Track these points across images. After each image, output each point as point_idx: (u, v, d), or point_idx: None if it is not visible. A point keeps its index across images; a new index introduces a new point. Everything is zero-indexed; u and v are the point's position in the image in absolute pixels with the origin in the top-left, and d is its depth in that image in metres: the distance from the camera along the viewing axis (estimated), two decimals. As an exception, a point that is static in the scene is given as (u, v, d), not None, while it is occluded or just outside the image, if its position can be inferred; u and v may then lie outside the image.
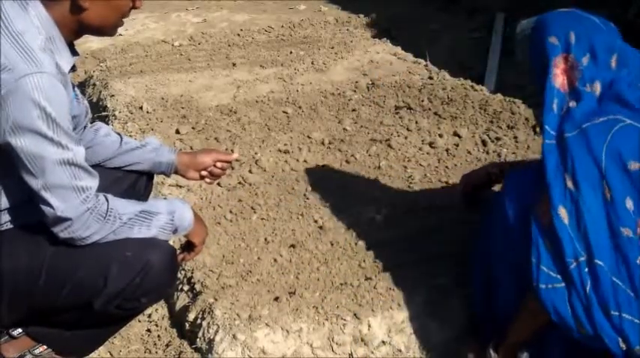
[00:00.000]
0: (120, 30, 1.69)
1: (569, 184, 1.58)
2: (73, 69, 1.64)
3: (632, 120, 1.61)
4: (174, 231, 1.72)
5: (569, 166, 1.59)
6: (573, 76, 1.68)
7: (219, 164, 2.03)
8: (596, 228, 1.55)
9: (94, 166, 1.65)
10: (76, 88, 1.81)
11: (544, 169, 1.61)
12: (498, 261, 1.82)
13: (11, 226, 1.62)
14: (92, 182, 1.56)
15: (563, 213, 1.57)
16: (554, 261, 1.56)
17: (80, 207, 1.52)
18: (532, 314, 1.66)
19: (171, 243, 1.76)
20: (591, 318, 1.53)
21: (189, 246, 1.86)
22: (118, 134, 1.98)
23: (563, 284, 1.55)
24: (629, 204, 1.56)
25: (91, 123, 1.95)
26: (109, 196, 1.60)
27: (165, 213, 1.68)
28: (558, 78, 1.68)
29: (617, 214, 1.55)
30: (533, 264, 1.58)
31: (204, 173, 2.03)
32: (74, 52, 1.64)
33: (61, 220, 1.52)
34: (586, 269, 1.54)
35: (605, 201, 1.57)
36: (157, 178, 2.40)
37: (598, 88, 1.68)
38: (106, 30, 1.63)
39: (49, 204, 1.50)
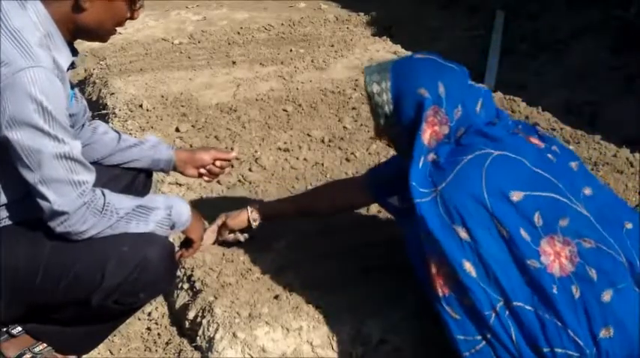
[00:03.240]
0: (120, 28, 1.69)
1: (463, 235, 1.52)
2: (72, 66, 1.64)
3: (500, 150, 1.58)
4: (172, 227, 1.72)
5: (455, 217, 1.53)
6: (441, 132, 1.62)
7: (218, 162, 2.03)
8: (505, 270, 1.51)
9: (92, 164, 1.65)
10: (75, 87, 1.81)
11: (428, 231, 1.54)
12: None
13: (9, 223, 1.63)
14: (89, 176, 1.56)
15: (468, 266, 1.51)
16: (469, 323, 1.52)
17: (77, 201, 1.52)
18: None
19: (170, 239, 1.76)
20: None
21: (187, 243, 1.86)
22: (117, 132, 1.98)
23: (484, 343, 1.51)
24: (525, 234, 1.52)
25: (90, 121, 1.95)
26: (106, 191, 1.61)
27: (163, 208, 1.69)
28: (425, 133, 1.61)
29: (518, 249, 1.51)
30: (449, 338, 1.55)
31: (202, 171, 2.03)
32: (74, 51, 1.64)
33: (57, 214, 1.52)
34: (506, 313, 1.50)
35: (503, 239, 1.52)
36: (156, 176, 2.40)
37: (461, 131, 1.64)
38: (100, 34, 1.64)
39: (45, 198, 1.50)
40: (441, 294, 1.55)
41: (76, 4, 1.54)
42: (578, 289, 1.50)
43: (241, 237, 2.17)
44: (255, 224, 2.13)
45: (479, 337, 1.52)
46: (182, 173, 2.05)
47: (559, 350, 1.48)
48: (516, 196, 1.54)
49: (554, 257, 1.52)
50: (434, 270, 1.55)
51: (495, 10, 4.98)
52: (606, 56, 4.05)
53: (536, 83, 4.10)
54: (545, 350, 1.48)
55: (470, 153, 1.58)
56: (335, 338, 1.89)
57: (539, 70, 4.29)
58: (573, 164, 1.67)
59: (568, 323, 1.48)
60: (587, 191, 1.64)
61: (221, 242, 2.19)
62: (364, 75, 1.72)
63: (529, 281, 1.51)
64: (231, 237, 2.17)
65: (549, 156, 1.65)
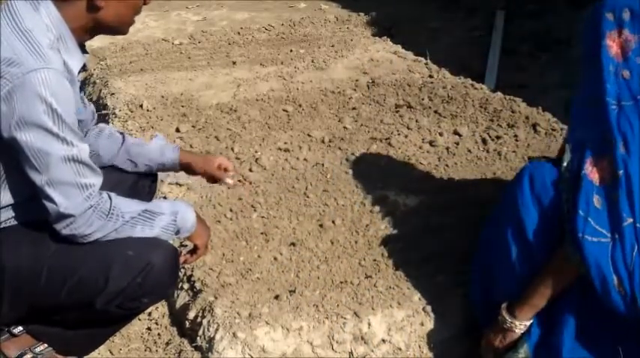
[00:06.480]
0: None
1: (622, 149, 1.63)
2: (84, 68, 1.64)
3: None
4: (177, 232, 1.72)
5: (623, 130, 1.65)
6: (627, 47, 1.74)
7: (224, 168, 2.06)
8: None
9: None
10: (82, 93, 1.81)
11: (608, 124, 1.66)
12: (504, 250, 1.81)
13: (14, 223, 1.63)
14: (96, 179, 1.56)
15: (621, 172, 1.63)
16: (606, 216, 1.60)
17: (83, 204, 1.52)
18: (558, 274, 1.68)
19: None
20: (632, 277, 1.55)
21: (192, 249, 1.86)
22: (121, 134, 1.98)
23: (608, 240, 1.58)
24: None
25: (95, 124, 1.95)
26: (112, 194, 1.61)
27: (168, 214, 1.69)
28: (612, 48, 1.74)
29: None
30: (579, 216, 1.61)
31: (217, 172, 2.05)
32: (84, 52, 1.64)
33: (63, 217, 1.52)
34: (633, 231, 1.58)
35: None
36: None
37: None
38: (122, 28, 1.65)
39: (52, 201, 1.50)
40: (596, 179, 1.64)
41: (90, 4, 1.54)
42: None
43: None
44: None
45: (608, 233, 1.59)
46: (194, 173, 2.06)
47: None
48: None
49: None
50: (594, 163, 1.66)
51: (495, 10, 4.98)
52: (606, 56, 4.04)
53: (536, 83, 4.09)
54: None
55: None
56: (335, 338, 1.90)
57: (539, 70, 4.29)
58: None
59: None
60: None
61: None
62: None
63: None
64: None
65: None
